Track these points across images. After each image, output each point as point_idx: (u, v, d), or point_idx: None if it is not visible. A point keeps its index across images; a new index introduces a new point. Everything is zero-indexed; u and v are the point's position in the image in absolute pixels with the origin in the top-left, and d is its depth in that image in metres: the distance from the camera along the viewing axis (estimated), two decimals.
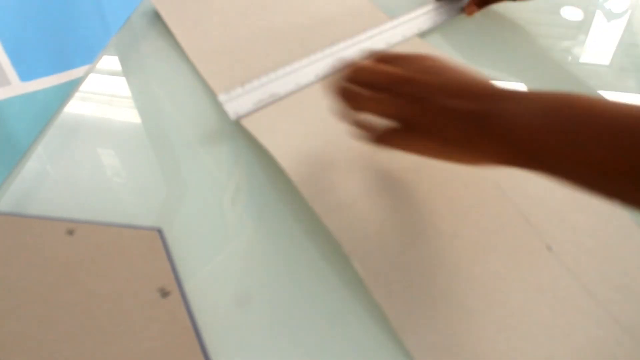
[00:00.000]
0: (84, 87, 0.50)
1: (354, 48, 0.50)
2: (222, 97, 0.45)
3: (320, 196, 0.36)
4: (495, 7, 0.59)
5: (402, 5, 0.57)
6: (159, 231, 0.36)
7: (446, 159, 0.32)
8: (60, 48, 0.98)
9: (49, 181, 0.41)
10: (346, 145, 0.40)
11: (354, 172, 0.38)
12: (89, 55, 0.98)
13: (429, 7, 0.56)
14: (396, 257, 0.33)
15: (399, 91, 0.31)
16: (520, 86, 0.50)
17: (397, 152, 0.39)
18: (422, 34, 0.53)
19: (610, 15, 0.60)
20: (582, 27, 0.59)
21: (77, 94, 0.49)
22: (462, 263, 0.33)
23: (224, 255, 0.35)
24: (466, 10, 0.56)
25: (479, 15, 0.58)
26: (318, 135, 0.41)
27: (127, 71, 0.52)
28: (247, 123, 0.42)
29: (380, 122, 0.33)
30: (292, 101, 0.45)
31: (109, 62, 0.53)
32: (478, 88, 0.30)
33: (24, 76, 0.96)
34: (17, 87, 0.96)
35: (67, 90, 0.50)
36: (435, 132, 0.30)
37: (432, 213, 0.36)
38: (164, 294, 0.32)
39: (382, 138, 0.33)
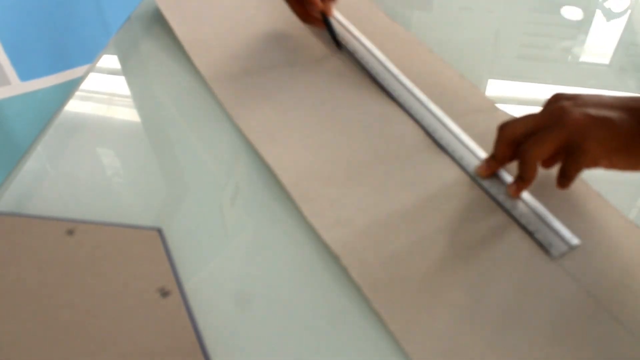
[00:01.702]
0: (84, 86, 0.50)
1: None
2: None
3: (319, 213, 0.36)
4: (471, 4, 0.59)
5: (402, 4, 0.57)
6: (159, 231, 0.36)
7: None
8: (60, 48, 0.98)
9: (49, 181, 0.41)
10: (344, 161, 0.40)
11: (351, 188, 0.38)
12: (89, 55, 0.98)
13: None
14: (393, 268, 0.33)
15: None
16: (521, 86, 0.50)
17: (393, 168, 0.39)
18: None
19: (610, 15, 0.60)
20: (582, 27, 0.59)
21: (77, 94, 0.49)
22: (458, 270, 0.33)
23: (224, 255, 0.35)
24: (510, 190, 0.38)
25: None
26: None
27: (127, 71, 0.52)
28: None
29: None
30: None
31: (109, 61, 0.53)
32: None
33: (24, 76, 0.96)
34: (17, 86, 0.96)
35: (67, 89, 0.50)
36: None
37: (428, 225, 0.36)
38: (164, 294, 0.32)
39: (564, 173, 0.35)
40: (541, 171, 0.38)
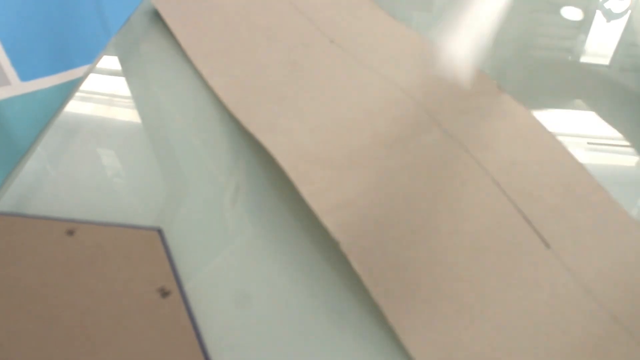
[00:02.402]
0: (84, 87, 0.50)
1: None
2: None
3: (318, 195, 0.36)
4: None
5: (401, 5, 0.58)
6: (159, 231, 0.36)
7: None
8: (60, 48, 0.99)
9: (49, 181, 0.41)
10: (344, 142, 0.39)
11: (351, 170, 0.38)
12: (89, 55, 0.98)
13: None
14: (394, 256, 0.33)
15: None
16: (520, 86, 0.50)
17: (394, 150, 0.39)
18: None
19: (610, 15, 0.60)
20: (582, 27, 0.59)
21: (77, 94, 0.49)
22: (460, 261, 0.33)
23: (224, 255, 0.35)
24: None
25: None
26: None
27: (127, 71, 0.52)
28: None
29: None
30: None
31: (109, 62, 0.53)
32: None
33: (24, 76, 0.96)
34: (17, 87, 0.96)
35: (67, 90, 0.50)
36: None
37: (430, 211, 0.35)
38: (164, 294, 0.32)
39: None
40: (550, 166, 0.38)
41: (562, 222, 0.35)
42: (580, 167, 0.38)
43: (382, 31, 0.52)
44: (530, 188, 0.36)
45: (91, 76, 0.51)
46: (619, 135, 0.45)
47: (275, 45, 0.52)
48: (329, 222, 0.34)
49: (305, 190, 0.36)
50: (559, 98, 0.49)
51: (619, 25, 0.59)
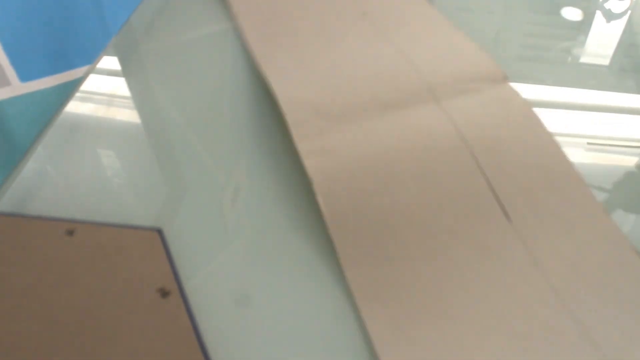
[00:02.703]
0: (84, 87, 0.50)
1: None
2: None
3: (307, 139, 0.38)
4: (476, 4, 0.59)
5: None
6: (159, 231, 0.36)
7: None
8: (60, 48, 0.98)
9: (49, 181, 0.41)
10: (344, 97, 0.42)
11: (343, 123, 0.39)
12: (89, 55, 0.98)
13: None
14: (360, 202, 0.34)
15: None
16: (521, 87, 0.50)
17: (388, 113, 0.40)
18: None
19: (610, 15, 0.60)
20: (582, 27, 0.59)
21: (77, 94, 0.49)
22: (423, 216, 0.34)
23: (224, 255, 0.35)
24: None
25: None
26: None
27: (127, 71, 0.52)
28: None
29: None
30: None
31: (109, 62, 0.53)
32: None
33: (24, 76, 0.96)
34: (17, 87, 0.96)
35: (67, 90, 0.50)
36: None
37: (403, 169, 0.37)
38: (164, 294, 0.32)
39: None
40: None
41: (530, 202, 0.36)
42: (565, 160, 0.38)
43: (411, 11, 0.54)
44: (506, 166, 0.37)
45: (91, 76, 0.51)
46: (619, 135, 0.46)
47: (309, 12, 0.54)
48: (310, 164, 0.36)
49: (296, 133, 0.38)
50: (559, 98, 0.49)
51: (619, 25, 0.59)
